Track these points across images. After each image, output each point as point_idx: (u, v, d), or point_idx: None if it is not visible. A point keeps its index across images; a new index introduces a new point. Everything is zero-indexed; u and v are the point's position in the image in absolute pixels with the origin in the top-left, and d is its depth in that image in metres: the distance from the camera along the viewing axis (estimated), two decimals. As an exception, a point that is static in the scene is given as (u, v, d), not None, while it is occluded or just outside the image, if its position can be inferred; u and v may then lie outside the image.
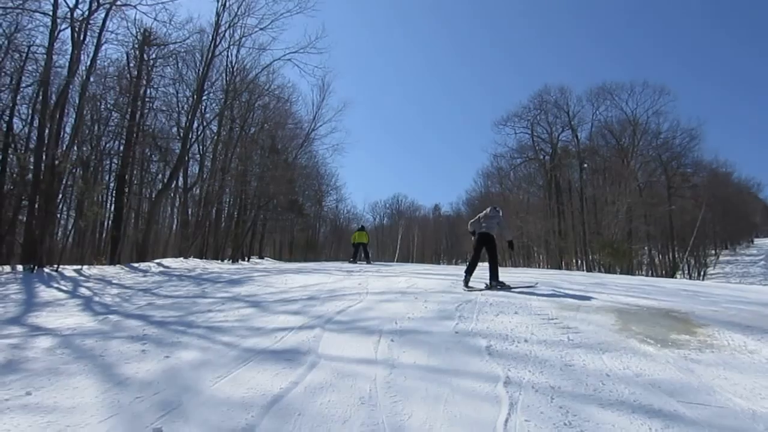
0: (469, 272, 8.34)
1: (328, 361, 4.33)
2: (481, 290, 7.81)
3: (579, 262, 43.73)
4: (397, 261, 41.32)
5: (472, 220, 9.13)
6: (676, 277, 35.05)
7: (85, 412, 3.34)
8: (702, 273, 46.30)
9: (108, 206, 27.43)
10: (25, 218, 17.35)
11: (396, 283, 9.13)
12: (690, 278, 39.73)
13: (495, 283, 8.05)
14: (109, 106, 22.85)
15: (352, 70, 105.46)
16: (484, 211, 9.03)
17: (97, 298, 9.35)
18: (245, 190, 29.63)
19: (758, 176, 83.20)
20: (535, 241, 48.86)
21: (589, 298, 6.87)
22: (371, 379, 3.80)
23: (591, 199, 45.95)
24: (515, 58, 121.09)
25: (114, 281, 12.33)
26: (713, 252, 56.79)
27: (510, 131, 52.64)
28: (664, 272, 43.31)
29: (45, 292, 10.33)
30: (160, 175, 29.17)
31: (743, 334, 4.67)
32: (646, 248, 44.35)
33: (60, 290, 10.69)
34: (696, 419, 2.95)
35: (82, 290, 10.64)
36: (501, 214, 8.91)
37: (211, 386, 3.80)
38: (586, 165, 47.65)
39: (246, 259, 29.37)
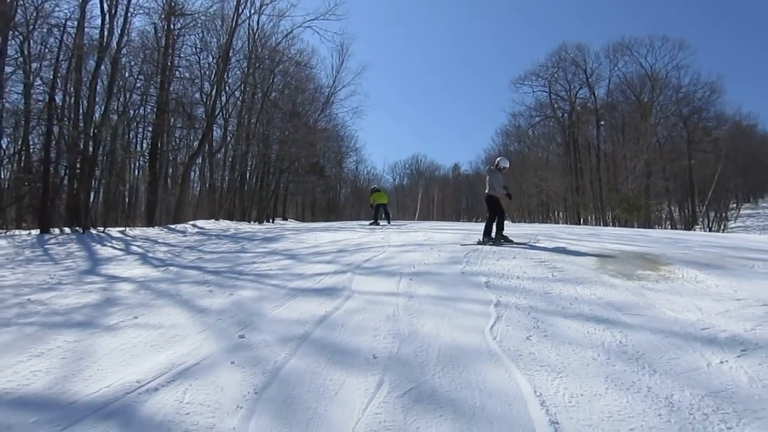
0: (485, 233, 9.08)
1: (360, 294, 5.49)
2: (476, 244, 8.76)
3: (597, 217, 44.37)
4: (417, 220, 42.39)
5: None
6: (694, 230, 35.54)
7: (184, 328, 4.54)
8: (722, 226, 46.36)
9: (137, 173, 28.87)
10: (67, 184, 18.69)
11: (414, 238, 10.27)
12: (710, 231, 40.04)
13: (486, 239, 8.87)
14: (134, 74, 23.86)
15: (368, 32, 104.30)
16: None
17: (150, 254, 10.63)
18: (268, 153, 30.74)
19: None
20: (554, 198, 49.50)
21: (579, 245, 7.92)
22: (394, 304, 4.94)
23: (610, 155, 46.17)
24: (533, 15, 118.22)
25: (159, 240, 13.67)
26: (734, 205, 56.53)
27: (528, 90, 53.01)
28: (682, 226, 43.70)
29: (103, 250, 11.67)
30: (183, 141, 30.39)
31: (698, 270, 5.70)
32: (666, 203, 44.74)
33: (114, 248, 12.01)
34: (631, 323, 4.04)
35: (134, 248, 11.96)
36: (495, 167, 9.25)
37: (272, 312, 4.97)
38: (603, 122, 47.74)
39: (270, 220, 30.72)
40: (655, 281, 5.37)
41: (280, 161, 31.53)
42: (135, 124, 26.63)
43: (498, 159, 9.44)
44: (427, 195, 73.52)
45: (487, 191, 9.16)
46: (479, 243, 8.82)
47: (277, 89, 31.09)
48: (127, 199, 29.58)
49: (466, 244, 8.77)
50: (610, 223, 39.16)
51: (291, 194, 41.19)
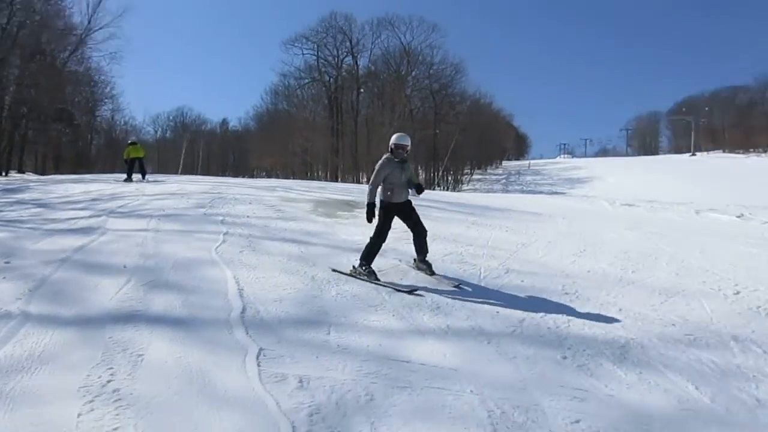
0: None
1: (113, 231, 6.62)
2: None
3: (353, 177, 48.76)
4: (180, 174, 41.52)
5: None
6: (434, 190, 41.52)
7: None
8: (457, 188, 54.70)
9: None
10: None
11: (168, 189, 11.34)
12: (447, 191, 46.98)
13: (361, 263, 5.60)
14: None
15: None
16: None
17: None
18: (2, 96, 27.31)
19: (511, 106, 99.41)
20: (316, 159, 52.79)
21: (306, 195, 9.99)
22: (143, 236, 6.25)
23: (371, 121, 50.84)
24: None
25: None
26: (468, 171, 66.55)
27: (298, 52, 54.67)
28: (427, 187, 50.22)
29: None
30: None
31: (379, 212, 8.04)
32: (414, 166, 51.02)
33: None
34: (314, 242, 6.07)
35: None
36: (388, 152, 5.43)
37: (32, 246, 5.84)
38: (362, 90, 52.23)
39: (3, 173, 27.31)
40: (346, 219, 7.59)
41: (17, 105, 28.20)
42: None
43: (393, 137, 5.39)
44: (192, 149, 71.06)
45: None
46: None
47: (16, 24, 27.54)
48: None
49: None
50: (364, 182, 43.53)
51: (30, 143, 36.64)
